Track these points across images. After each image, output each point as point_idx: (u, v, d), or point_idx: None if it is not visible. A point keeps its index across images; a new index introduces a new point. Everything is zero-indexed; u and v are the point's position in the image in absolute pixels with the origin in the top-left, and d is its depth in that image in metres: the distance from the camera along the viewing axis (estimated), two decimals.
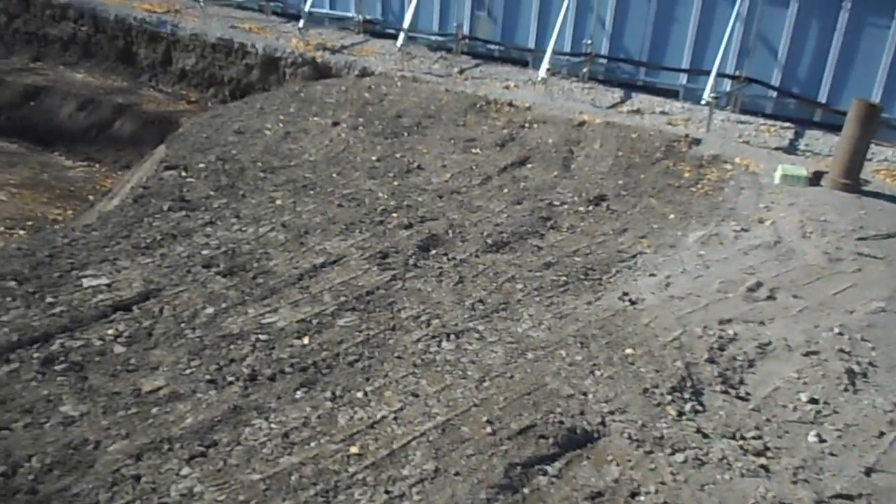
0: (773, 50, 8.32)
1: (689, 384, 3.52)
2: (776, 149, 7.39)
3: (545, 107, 7.92)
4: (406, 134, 6.92)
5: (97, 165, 9.29)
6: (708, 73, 7.91)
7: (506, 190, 5.84)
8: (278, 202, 5.15)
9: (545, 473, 2.90)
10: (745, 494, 2.91)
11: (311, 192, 5.39)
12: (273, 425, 3.02)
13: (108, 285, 3.93)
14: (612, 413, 3.25)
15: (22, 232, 7.14)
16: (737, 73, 8.32)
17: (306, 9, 9.90)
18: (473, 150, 6.65)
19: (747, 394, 3.56)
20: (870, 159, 6.77)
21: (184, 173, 5.49)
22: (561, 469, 2.93)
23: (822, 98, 8.21)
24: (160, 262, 4.22)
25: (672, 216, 5.57)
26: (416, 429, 3.05)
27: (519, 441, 3.02)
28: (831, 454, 3.22)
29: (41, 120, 10.09)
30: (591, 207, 5.65)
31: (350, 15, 10.71)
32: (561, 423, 3.14)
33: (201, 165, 5.66)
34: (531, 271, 4.52)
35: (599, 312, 4.09)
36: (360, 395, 3.25)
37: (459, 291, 4.21)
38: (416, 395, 3.27)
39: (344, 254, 4.51)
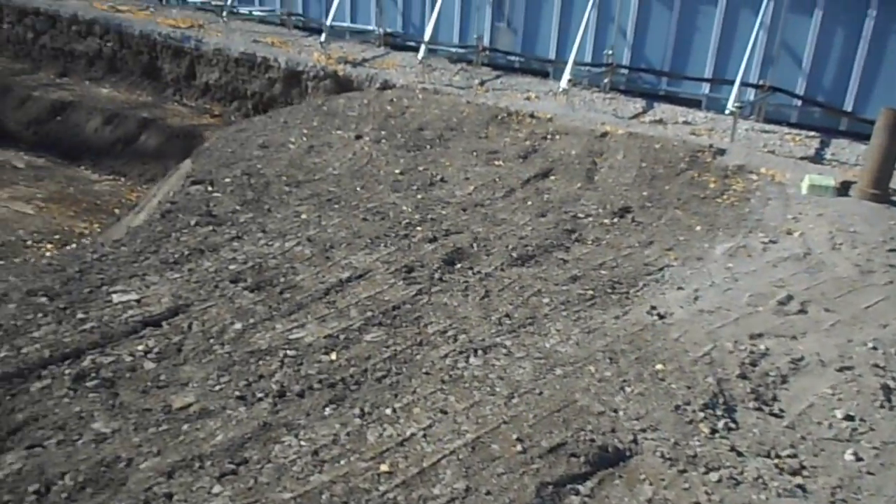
0: (797, 58, 8.24)
1: (721, 400, 3.47)
2: (802, 158, 7.30)
3: (567, 118, 7.90)
4: (428, 146, 6.93)
5: (123, 179, 9.42)
6: (731, 82, 7.85)
7: (530, 202, 5.82)
8: (303, 216, 5.17)
9: (577, 493, 2.86)
10: None
11: (336, 205, 5.41)
12: (303, 442, 3.02)
13: (138, 301, 3.96)
14: (643, 431, 3.21)
15: (49, 245, 7.25)
16: (761, 82, 8.23)
17: (328, 22, 9.98)
18: (496, 163, 6.64)
19: (781, 410, 3.50)
20: None
21: (210, 188, 5.53)
22: (593, 489, 2.89)
23: (848, 106, 8.11)
24: (188, 277, 4.25)
25: (698, 228, 5.51)
26: (446, 446, 3.03)
27: (550, 459, 2.99)
28: (869, 473, 3.15)
29: (68, 134, 10.26)
30: (615, 219, 5.61)
31: (371, 28, 10.79)
32: (592, 440, 3.10)
33: (227, 180, 5.70)
34: (557, 285, 4.50)
35: (628, 327, 4.05)
36: (388, 411, 3.24)
37: (486, 306, 4.19)
38: (445, 412, 3.25)
39: (369, 268, 4.51)
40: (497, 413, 3.25)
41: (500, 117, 7.82)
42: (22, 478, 2.74)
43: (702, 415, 3.35)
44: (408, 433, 3.10)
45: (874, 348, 4.02)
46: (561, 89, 8.34)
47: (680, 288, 4.58)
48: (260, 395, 3.29)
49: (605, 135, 7.41)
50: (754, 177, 6.63)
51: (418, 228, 5.12)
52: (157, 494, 2.70)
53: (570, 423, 3.21)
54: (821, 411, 3.52)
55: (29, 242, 7.27)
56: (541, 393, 3.41)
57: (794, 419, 3.45)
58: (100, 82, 11.66)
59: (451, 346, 3.76)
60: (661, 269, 4.82)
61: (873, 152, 6.20)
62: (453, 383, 3.46)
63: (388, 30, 10.64)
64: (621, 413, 3.31)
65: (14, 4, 12.70)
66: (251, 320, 3.86)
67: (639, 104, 8.67)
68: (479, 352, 3.73)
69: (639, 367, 3.67)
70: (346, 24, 11.02)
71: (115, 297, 3.98)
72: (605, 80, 9.10)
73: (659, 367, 3.68)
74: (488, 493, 2.80)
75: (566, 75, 8.30)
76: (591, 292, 4.43)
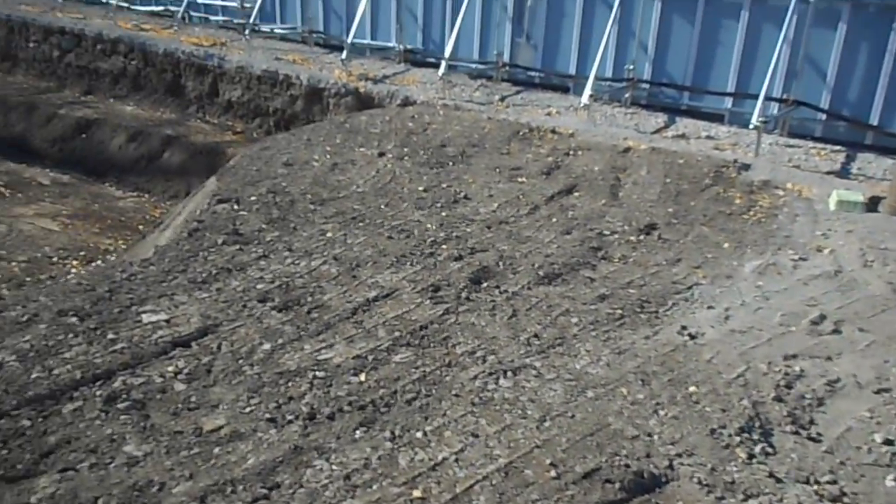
0: (821, 72, 8.17)
1: (757, 424, 3.40)
2: (828, 173, 7.22)
3: (589, 133, 7.87)
4: (451, 163, 6.94)
5: (146, 195, 9.51)
6: (754, 96, 7.80)
7: (554, 219, 5.79)
8: (329, 234, 5.18)
9: None
10: None
11: (361, 223, 5.41)
12: (334, 467, 2.99)
13: (167, 321, 3.97)
14: (679, 456, 3.15)
15: (75, 262, 7.32)
16: (785, 96, 8.17)
17: (349, 39, 10.06)
18: (519, 179, 6.63)
19: (818, 434, 3.43)
20: None
21: (236, 206, 5.56)
22: None
23: (874, 120, 8.02)
24: (216, 296, 4.26)
25: (726, 245, 5.45)
26: (479, 471, 2.99)
27: (584, 485, 2.94)
28: None
29: (92, 151, 10.40)
30: (642, 237, 5.56)
31: (391, 45, 10.85)
32: (627, 466, 3.05)
33: (253, 198, 5.73)
34: (585, 304, 4.45)
35: (659, 347, 4.00)
36: (419, 434, 3.21)
37: (514, 326, 4.16)
38: (477, 436, 3.21)
39: (396, 287, 4.50)
40: (529, 437, 3.21)
41: (521, 133, 7.81)
42: (56, 502, 2.74)
43: (738, 439, 3.28)
44: (439, 457, 3.07)
45: None
46: (582, 104, 8.33)
47: (710, 307, 4.51)
48: (290, 417, 3.27)
49: (627, 150, 7.38)
50: (781, 192, 6.56)
51: (443, 246, 5.10)
52: None
53: (604, 447, 3.16)
54: (859, 435, 3.44)
55: (55, 259, 7.35)
56: (573, 416, 3.37)
57: (832, 443, 3.37)
58: (124, 100, 11.81)
59: (481, 368, 3.73)
60: (689, 288, 4.76)
61: None
62: (484, 406, 3.43)
63: (409, 46, 10.70)
64: (656, 437, 3.26)
65: (40, 23, 12.93)
66: (280, 340, 3.86)
67: (660, 119, 8.63)
68: (509, 373, 3.69)
69: (672, 390, 3.61)
70: (367, 41, 11.09)
71: (145, 317, 3.99)
72: (627, 95, 9.08)
73: (692, 389, 3.62)
74: None
75: (587, 90, 8.28)
76: (619, 311, 4.38)
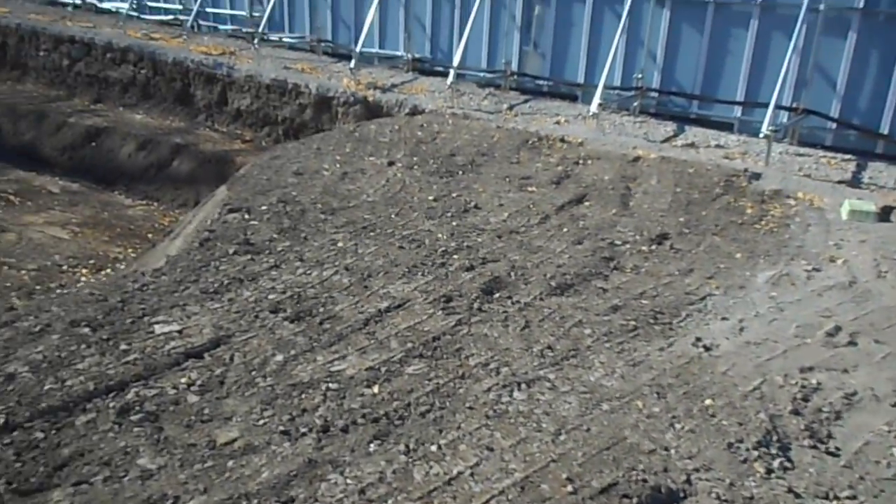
0: (831, 81, 8.14)
1: (774, 438, 3.37)
2: (839, 182, 7.18)
3: (598, 142, 7.86)
4: (461, 172, 6.93)
5: (156, 204, 9.54)
6: (764, 105, 7.77)
7: (565, 229, 5.77)
8: (340, 244, 5.17)
9: None
10: None
11: (372, 233, 5.40)
12: (349, 480, 2.97)
13: (180, 332, 3.96)
14: (696, 470, 3.12)
15: (84, 270, 7.33)
16: (794, 105, 8.14)
17: (357, 48, 10.08)
18: (529, 188, 6.61)
19: (837, 449, 3.39)
20: None
21: (247, 216, 5.56)
22: None
23: (884, 129, 7.97)
24: (228, 307, 4.25)
25: (738, 255, 5.42)
26: (495, 486, 2.97)
27: (602, 501, 2.91)
28: None
29: (102, 160, 10.44)
30: (653, 247, 5.53)
31: (399, 54, 10.87)
32: (644, 481, 3.02)
33: (263, 208, 5.73)
34: (598, 315, 4.43)
35: (673, 359, 3.97)
36: (434, 448, 3.18)
37: (527, 337, 4.14)
38: (492, 449, 3.19)
39: (408, 297, 4.48)
40: (545, 451, 3.19)
41: (530, 142, 7.80)
42: None
43: (756, 453, 3.25)
44: (455, 471, 3.04)
45: None
46: (591, 113, 8.32)
47: (724, 318, 4.48)
48: (304, 429, 3.26)
49: (637, 159, 7.36)
50: (792, 202, 6.53)
51: (455, 256, 5.09)
52: None
53: (621, 461, 3.13)
54: (878, 450, 3.40)
55: (64, 267, 7.36)
56: (588, 429, 3.34)
57: (850, 458, 3.33)
58: (133, 108, 11.87)
59: (494, 380, 3.71)
60: (703, 299, 4.73)
61: None
62: (498, 419, 3.40)
63: (417, 55, 10.72)
64: (673, 451, 3.23)
65: (50, 32, 13.01)
66: (292, 352, 3.85)
67: (670, 128, 8.61)
68: (523, 385, 3.67)
69: (688, 403, 3.58)
70: (375, 49, 11.12)
71: (158, 328, 3.99)
72: (636, 104, 9.06)
73: (708, 402, 3.59)
74: None
75: (596, 99, 8.27)
76: (633, 323, 4.35)
